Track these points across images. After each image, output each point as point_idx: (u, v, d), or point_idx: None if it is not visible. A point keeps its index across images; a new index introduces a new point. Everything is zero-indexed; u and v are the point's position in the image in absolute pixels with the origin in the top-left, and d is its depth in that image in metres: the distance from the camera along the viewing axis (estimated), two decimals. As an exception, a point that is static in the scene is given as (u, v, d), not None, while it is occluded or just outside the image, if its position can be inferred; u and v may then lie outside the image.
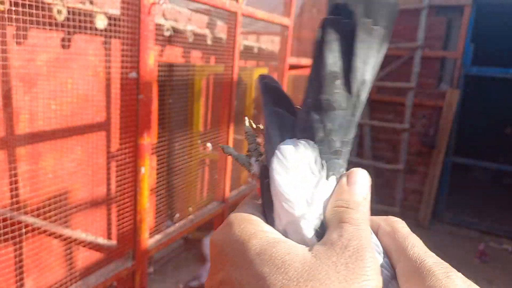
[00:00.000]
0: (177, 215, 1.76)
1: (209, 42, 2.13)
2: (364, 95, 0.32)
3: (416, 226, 4.51)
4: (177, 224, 1.72)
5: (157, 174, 1.66)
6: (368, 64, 0.32)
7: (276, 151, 0.31)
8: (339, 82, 0.31)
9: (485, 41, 4.89)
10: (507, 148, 6.31)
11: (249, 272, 0.28)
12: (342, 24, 0.32)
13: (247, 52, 2.40)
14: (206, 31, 2.24)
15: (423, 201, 4.50)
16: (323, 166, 0.31)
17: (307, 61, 2.88)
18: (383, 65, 4.60)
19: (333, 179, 0.31)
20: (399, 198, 4.03)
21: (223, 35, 2.31)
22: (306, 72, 3.02)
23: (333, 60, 0.31)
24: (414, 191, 4.61)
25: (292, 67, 2.70)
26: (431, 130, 4.37)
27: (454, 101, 4.27)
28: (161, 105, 1.89)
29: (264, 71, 2.66)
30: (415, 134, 4.52)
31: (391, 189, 4.57)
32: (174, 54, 2.00)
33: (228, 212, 2.03)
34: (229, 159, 2.02)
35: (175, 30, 1.95)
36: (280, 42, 2.50)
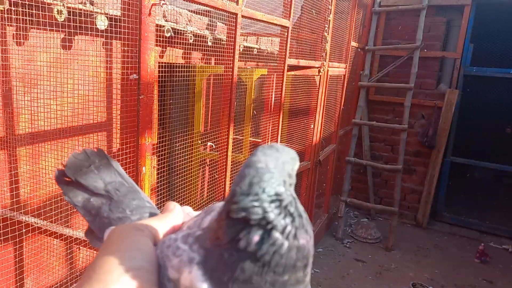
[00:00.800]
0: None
1: (209, 43, 2.14)
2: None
3: (415, 226, 4.52)
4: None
5: (158, 174, 1.67)
6: None
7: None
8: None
9: (484, 41, 4.90)
10: (507, 148, 6.33)
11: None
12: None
13: (247, 53, 2.40)
14: (206, 32, 2.25)
15: (422, 201, 4.51)
16: None
17: (306, 62, 2.89)
18: (382, 66, 4.61)
19: None
20: (397, 198, 4.04)
21: (223, 36, 2.32)
22: (305, 72, 3.03)
23: None
24: (413, 191, 4.62)
25: (291, 68, 2.71)
26: (430, 130, 4.38)
27: (453, 101, 4.28)
28: (162, 105, 1.90)
29: (263, 72, 2.66)
30: (414, 134, 4.53)
31: (390, 189, 4.58)
32: (175, 55, 2.01)
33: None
34: (230, 159, 2.03)
35: (175, 31, 1.96)
36: (279, 43, 2.51)
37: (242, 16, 1.90)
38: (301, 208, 0.35)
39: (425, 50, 4.33)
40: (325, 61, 3.16)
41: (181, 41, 1.99)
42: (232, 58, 1.89)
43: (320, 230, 3.92)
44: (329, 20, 3.08)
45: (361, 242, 4.03)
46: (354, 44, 4.10)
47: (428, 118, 4.45)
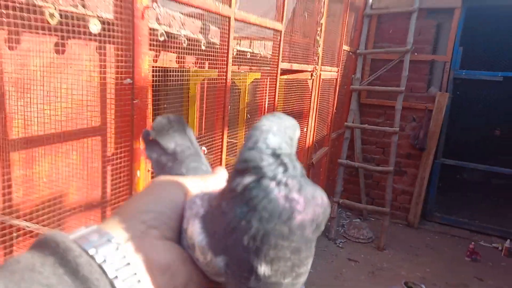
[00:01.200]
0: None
1: (203, 47, 2.15)
2: None
3: (406, 226, 4.57)
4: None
5: (153, 177, 1.67)
6: None
7: None
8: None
9: (473, 44, 4.97)
10: (496, 149, 6.42)
11: None
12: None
13: (240, 57, 2.42)
14: (200, 36, 2.26)
15: (413, 202, 4.56)
16: None
17: (298, 66, 2.91)
18: (374, 69, 4.66)
19: None
20: (389, 199, 4.08)
21: (216, 40, 2.33)
22: (298, 76, 3.05)
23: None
24: (404, 192, 4.67)
25: (284, 71, 2.73)
26: (421, 133, 4.43)
27: (443, 104, 4.34)
28: (156, 109, 1.90)
29: (257, 75, 2.68)
30: (405, 137, 4.58)
31: (382, 190, 4.62)
32: (169, 59, 2.02)
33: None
34: (224, 161, 2.04)
35: (169, 35, 1.97)
36: (272, 47, 2.53)
37: (235, 19, 1.91)
38: (299, 166, 0.38)
39: (416, 54, 4.38)
40: (318, 65, 3.18)
41: (175, 45, 2.00)
42: (225, 62, 1.90)
43: (313, 232, 3.94)
44: (321, 24, 3.11)
45: (354, 242, 4.06)
46: (346, 47, 4.14)
47: (419, 121, 4.51)
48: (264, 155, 0.36)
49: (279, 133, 0.38)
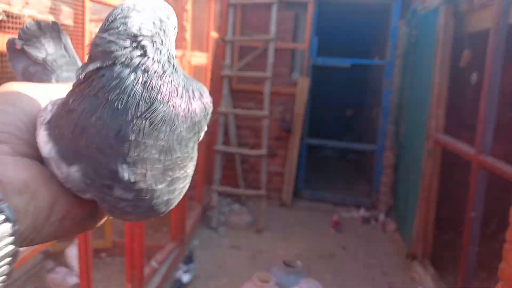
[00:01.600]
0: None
1: (53, 29, 1.88)
2: None
3: (281, 206, 4.89)
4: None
5: None
6: None
7: None
8: None
9: (328, 34, 5.53)
10: (348, 128, 7.34)
11: None
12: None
13: (101, 42, 2.20)
14: (49, 17, 1.97)
15: (285, 182, 4.90)
16: None
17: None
18: (242, 56, 4.80)
19: None
20: (264, 182, 4.30)
21: (70, 21, 2.07)
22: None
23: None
24: (276, 173, 4.98)
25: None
26: (287, 116, 4.77)
27: (304, 89, 4.73)
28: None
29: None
30: (274, 120, 4.86)
31: (257, 174, 4.85)
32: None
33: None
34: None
35: (8, 14, 1.66)
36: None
37: (90, 0, 1.72)
38: (167, 52, 0.31)
39: (279, 42, 4.66)
40: (187, 50, 3.12)
41: (17, 25, 1.70)
42: (81, 46, 1.70)
43: (195, 222, 3.92)
44: (188, 9, 3.04)
45: (235, 228, 4.17)
46: (214, 34, 4.15)
47: (285, 104, 4.84)
48: (119, 37, 0.29)
49: (145, 12, 0.30)
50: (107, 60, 0.29)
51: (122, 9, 0.30)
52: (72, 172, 0.30)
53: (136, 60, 0.29)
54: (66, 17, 2.10)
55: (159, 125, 0.29)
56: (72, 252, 2.73)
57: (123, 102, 0.28)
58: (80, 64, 0.50)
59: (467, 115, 3.07)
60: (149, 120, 0.29)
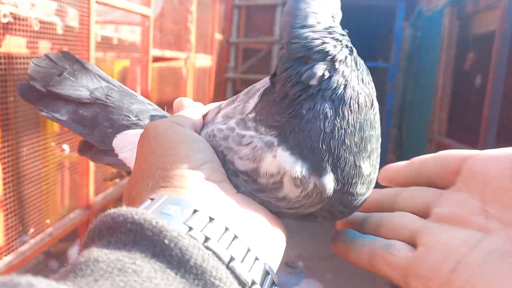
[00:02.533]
0: (32, 230, 1.54)
1: (59, 31, 1.90)
2: None
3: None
4: (32, 241, 1.51)
5: (4, 184, 1.42)
6: None
7: None
8: None
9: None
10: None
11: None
12: None
13: (106, 43, 2.22)
14: (55, 19, 1.99)
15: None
16: None
17: (172, 53, 2.82)
18: (246, 58, 4.81)
19: None
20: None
21: (76, 23, 2.09)
22: (172, 64, 2.95)
23: None
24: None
25: (157, 59, 2.61)
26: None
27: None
28: (3, 103, 1.62)
29: (125, 63, 2.50)
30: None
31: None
32: (16, 44, 1.72)
33: (95, 219, 1.86)
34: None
35: (15, 16, 1.68)
36: (141, 33, 2.39)
37: (97, 2, 1.74)
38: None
39: (283, 44, 4.66)
40: (191, 52, 3.13)
41: (24, 27, 1.72)
42: (87, 48, 1.72)
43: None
44: (192, 11, 3.05)
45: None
46: (218, 36, 4.17)
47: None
48: (324, 33, 0.29)
49: (324, 6, 0.31)
50: (324, 60, 0.29)
51: (307, 4, 0.30)
52: (325, 183, 0.29)
53: (349, 58, 0.30)
54: (72, 19, 2.12)
55: (377, 117, 0.31)
56: (75, 253, 2.75)
57: (357, 101, 0.29)
58: (134, 93, 0.45)
59: (470, 118, 3.07)
60: (374, 114, 0.30)
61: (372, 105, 0.31)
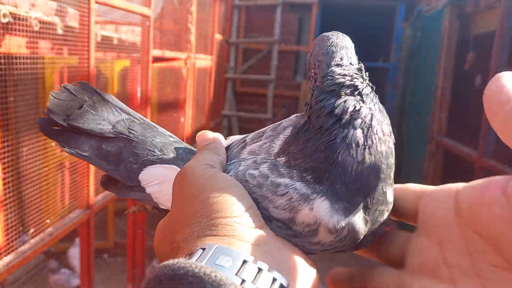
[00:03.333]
0: (32, 230, 1.54)
1: (59, 31, 1.90)
2: None
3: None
4: (32, 241, 1.51)
5: (4, 184, 1.42)
6: None
7: None
8: None
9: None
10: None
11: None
12: None
13: (106, 43, 2.22)
14: (55, 19, 1.99)
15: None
16: None
17: (172, 53, 2.82)
18: (246, 59, 4.81)
19: None
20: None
21: (76, 23, 2.08)
22: (172, 64, 2.95)
23: None
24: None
25: (157, 59, 2.61)
26: (291, 118, 4.77)
27: (308, 92, 4.73)
28: (3, 103, 1.62)
29: (125, 63, 2.50)
30: (278, 123, 4.86)
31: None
32: (16, 44, 1.72)
33: (94, 219, 1.86)
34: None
35: (15, 16, 1.68)
36: (141, 33, 2.39)
37: (96, 2, 1.74)
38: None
39: (283, 44, 4.66)
40: (192, 52, 3.13)
41: (24, 27, 1.72)
42: (87, 48, 1.71)
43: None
44: (192, 11, 3.05)
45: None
46: (218, 36, 4.17)
47: (289, 107, 4.84)
48: (354, 72, 0.33)
49: (351, 48, 0.36)
50: (353, 95, 0.32)
51: (341, 47, 0.35)
52: (355, 222, 0.31)
53: (372, 93, 0.34)
54: (72, 19, 2.12)
55: (392, 146, 0.33)
56: (74, 252, 2.75)
57: (382, 129, 0.32)
58: (154, 124, 0.44)
59: (469, 118, 3.07)
60: (390, 142, 0.33)
61: (391, 134, 0.33)
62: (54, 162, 1.84)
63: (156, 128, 0.44)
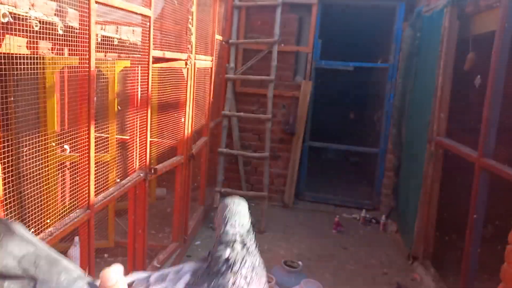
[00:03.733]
0: (32, 230, 1.54)
1: (60, 31, 1.90)
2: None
3: (282, 207, 4.89)
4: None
5: (4, 183, 1.42)
6: None
7: None
8: None
9: (331, 37, 5.53)
10: (351, 130, 7.33)
11: None
12: None
13: (107, 43, 2.22)
14: (56, 19, 1.99)
15: (287, 184, 4.90)
16: None
17: (172, 54, 2.82)
18: (246, 59, 4.81)
19: None
20: (266, 184, 4.31)
21: (76, 24, 2.09)
22: (172, 65, 2.95)
23: None
24: (279, 175, 4.98)
25: (157, 60, 2.61)
26: (290, 119, 4.77)
27: (308, 92, 4.73)
28: (3, 104, 1.62)
29: (126, 63, 2.50)
30: (277, 123, 4.87)
31: (260, 176, 4.85)
32: (16, 45, 1.72)
33: (95, 219, 1.86)
34: (93, 159, 1.85)
35: (15, 16, 1.68)
36: (142, 33, 2.39)
37: (96, 2, 1.74)
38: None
39: (282, 45, 4.66)
40: (192, 53, 3.13)
41: (24, 28, 1.72)
42: (88, 49, 1.72)
43: (197, 223, 3.93)
44: (192, 12, 3.05)
45: (237, 229, 4.16)
46: (218, 37, 4.17)
47: (288, 107, 4.84)
48: (239, 230, 0.58)
49: (246, 214, 0.58)
50: (242, 249, 0.53)
51: (236, 213, 0.59)
52: None
53: (253, 246, 0.55)
54: (72, 19, 2.12)
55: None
56: (75, 252, 2.75)
57: (252, 267, 0.53)
58: (58, 257, 0.53)
59: (469, 118, 3.07)
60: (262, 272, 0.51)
61: (265, 284, 0.49)
62: (54, 162, 1.84)
63: (61, 261, 0.46)
